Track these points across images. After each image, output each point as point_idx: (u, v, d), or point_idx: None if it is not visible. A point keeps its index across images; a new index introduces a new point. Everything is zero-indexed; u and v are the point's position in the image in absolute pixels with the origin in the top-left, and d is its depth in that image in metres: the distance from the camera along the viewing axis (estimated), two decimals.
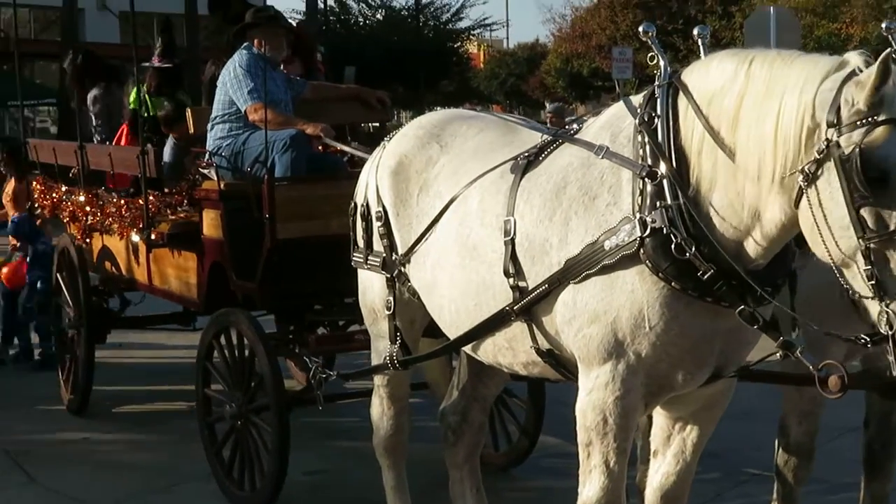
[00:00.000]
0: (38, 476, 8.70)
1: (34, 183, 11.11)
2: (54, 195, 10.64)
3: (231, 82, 8.46)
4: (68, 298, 10.49)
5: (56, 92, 35.85)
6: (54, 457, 9.19)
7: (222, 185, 8.19)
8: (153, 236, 8.80)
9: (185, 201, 8.69)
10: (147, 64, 10.32)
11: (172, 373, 11.65)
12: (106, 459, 9.15)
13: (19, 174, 12.75)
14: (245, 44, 8.64)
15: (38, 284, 12.17)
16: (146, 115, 10.01)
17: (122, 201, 9.30)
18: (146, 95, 10.18)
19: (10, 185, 13.01)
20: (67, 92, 31.53)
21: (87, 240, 10.07)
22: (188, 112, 9.09)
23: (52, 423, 10.13)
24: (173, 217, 8.82)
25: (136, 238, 9.16)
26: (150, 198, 8.78)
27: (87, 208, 9.84)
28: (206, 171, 8.56)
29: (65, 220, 10.59)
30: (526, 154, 5.43)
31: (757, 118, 4.46)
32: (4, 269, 12.63)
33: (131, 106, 10.06)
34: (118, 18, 42.58)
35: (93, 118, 11.25)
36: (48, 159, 11.10)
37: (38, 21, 42.85)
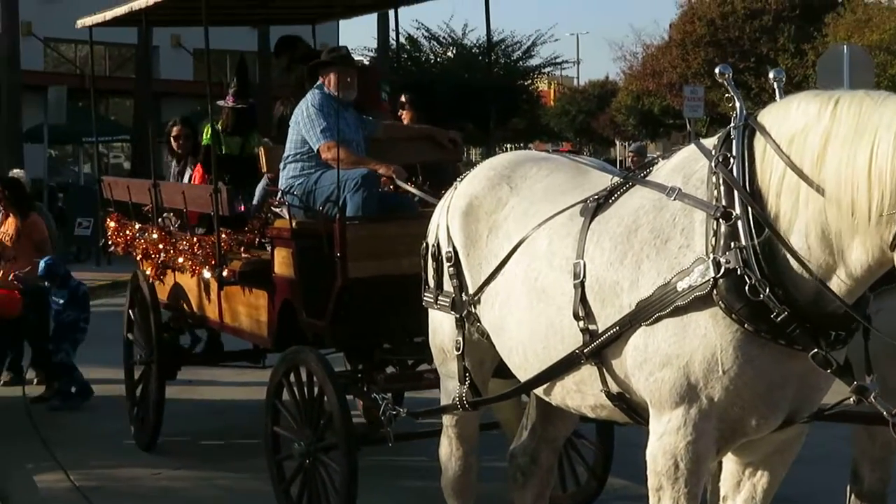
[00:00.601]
0: None
1: (108, 220, 11.20)
2: (127, 232, 10.73)
3: (304, 122, 8.51)
4: (140, 335, 10.58)
5: (130, 129, 36.24)
6: (123, 492, 9.26)
7: (294, 224, 8.23)
8: (225, 274, 8.85)
9: (257, 239, 8.73)
10: (222, 103, 10.39)
11: (241, 410, 11.71)
12: (175, 496, 9.20)
13: (22, 212, 12.75)
14: (318, 83, 8.69)
15: (80, 325, 12.37)
16: (220, 153, 10.07)
17: (195, 239, 9.37)
18: (222, 135, 10.24)
19: (10, 224, 13.03)
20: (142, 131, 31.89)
21: (161, 277, 10.14)
22: (261, 151, 9.15)
23: (121, 458, 10.20)
24: (245, 255, 8.87)
25: (207, 275, 9.22)
26: (223, 236, 8.83)
27: (160, 246, 9.91)
28: (278, 210, 8.61)
29: (138, 258, 10.67)
30: (596, 196, 5.42)
31: (847, 156, 4.42)
32: None
33: (204, 142, 10.11)
34: (192, 56, 43.02)
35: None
36: (122, 197, 11.20)
37: (112, 58, 43.36)
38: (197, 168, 10.79)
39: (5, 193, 12.83)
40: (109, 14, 10.70)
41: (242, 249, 8.88)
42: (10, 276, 12.56)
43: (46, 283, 12.40)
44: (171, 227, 10.07)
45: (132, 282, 10.82)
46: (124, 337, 11.10)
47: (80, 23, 11.43)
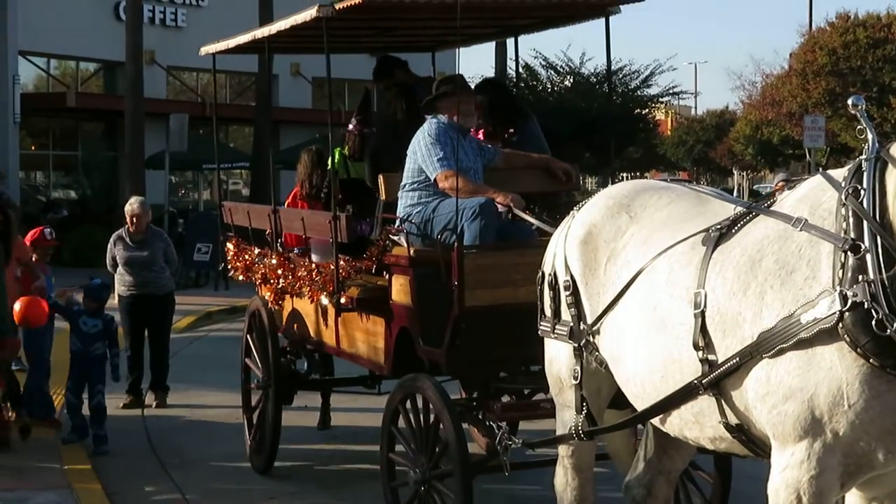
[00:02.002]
0: None
1: (228, 244, 11.31)
2: (247, 257, 10.84)
3: (420, 151, 8.54)
4: (257, 360, 10.68)
5: (249, 155, 36.66)
6: None
7: (412, 252, 8.26)
8: (343, 300, 8.89)
9: (375, 267, 8.77)
10: (350, 128, 10.43)
11: (357, 436, 11.75)
12: None
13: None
14: (434, 114, 8.71)
15: (112, 360, 11.66)
16: (346, 177, 10.13)
17: (314, 265, 9.43)
18: (349, 160, 10.29)
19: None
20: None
21: (280, 302, 10.22)
22: (380, 178, 9.20)
23: (237, 481, 10.28)
24: (363, 282, 8.91)
25: (325, 301, 9.27)
26: (341, 262, 8.88)
27: (279, 271, 9.99)
28: (395, 238, 8.64)
29: (257, 283, 10.77)
30: (718, 226, 5.37)
31: None
32: (18, 305, 10.85)
33: (330, 167, 10.13)
34: (311, 84, 43.44)
35: None
36: (242, 222, 11.32)
37: (232, 86, 43.92)
38: (292, 193, 10.95)
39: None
40: (233, 42, 10.84)
41: (360, 275, 8.91)
42: (64, 295, 12.21)
43: (80, 305, 11.68)
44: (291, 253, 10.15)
45: (250, 307, 10.93)
46: (242, 362, 11.20)
47: (204, 50, 11.59)
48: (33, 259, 12.50)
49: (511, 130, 9.71)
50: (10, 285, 10.64)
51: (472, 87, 9.39)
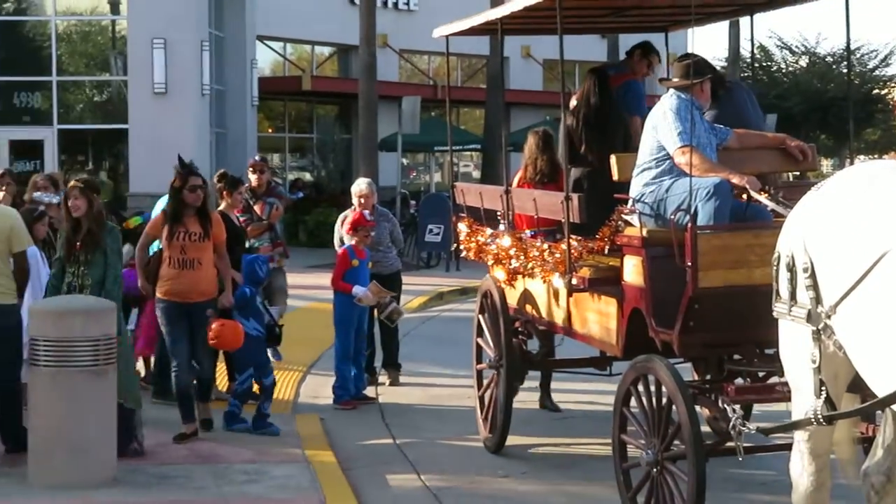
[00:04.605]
0: None
1: (460, 225, 11.39)
2: (479, 238, 10.92)
3: (661, 125, 8.47)
4: (489, 339, 10.77)
5: (480, 138, 36.89)
6: (471, 493, 9.42)
7: (645, 232, 8.22)
8: (574, 281, 8.90)
9: (607, 247, 8.75)
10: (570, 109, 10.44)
11: (588, 417, 11.77)
12: (521, 499, 9.30)
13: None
14: (671, 90, 8.64)
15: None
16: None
17: (545, 245, 9.45)
18: None
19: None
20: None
21: (511, 283, 10.28)
22: (612, 159, 9.16)
23: (469, 460, 10.39)
24: (594, 262, 8.90)
25: (557, 282, 9.28)
26: (573, 243, 8.88)
27: (512, 252, 10.04)
28: (628, 218, 8.60)
29: (489, 264, 10.85)
30: None
31: None
32: (215, 325, 10.53)
33: (562, 147, 10.15)
34: (541, 66, 43.49)
35: None
36: (474, 203, 11.41)
37: (463, 69, 44.22)
38: (517, 177, 11.01)
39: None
40: (465, 24, 10.92)
41: (592, 256, 8.91)
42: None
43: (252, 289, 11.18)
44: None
45: (482, 287, 11.01)
46: (474, 341, 11.31)
47: (437, 32, 11.71)
48: (353, 242, 12.68)
49: None
50: (212, 261, 10.61)
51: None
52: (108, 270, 9.83)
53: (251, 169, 13.97)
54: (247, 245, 12.97)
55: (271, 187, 14.16)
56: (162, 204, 11.29)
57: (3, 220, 9.75)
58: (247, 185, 13.85)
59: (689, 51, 8.93)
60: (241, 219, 13.57)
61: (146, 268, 10.76)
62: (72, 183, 10.05)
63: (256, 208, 13.53)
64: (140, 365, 12.97)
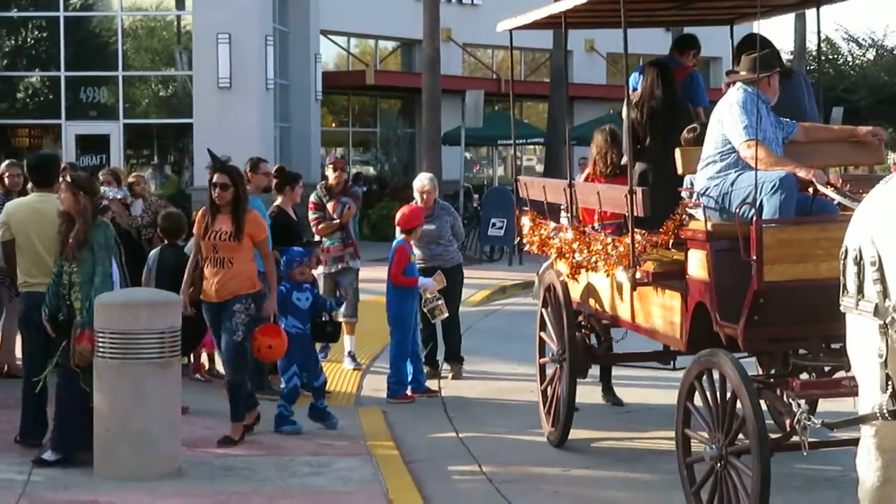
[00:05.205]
0: None
1: (524, 219, 11.37)
2: (542, 232, 10.89)
3: (727, 119, 8.41)
4: (552, 333, 10.74)
5: (543, 132, 36.84)
6: (534, 487, 9.40)
7: (710, 226, 8.17)
8: (638, 275, 8.86)
9: (672, 241, 8.71)
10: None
11: (651, 411, 11.73)
12: (585, 493, 9.28)
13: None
14: (738, 83, 8.57)
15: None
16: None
17: (610, 239, 9.43)
18: None
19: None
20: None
21: (575, 277, 10.24)
22: (676, 152, 9.12)
23: (532, 454, 10.37)
24: (658, 256, 8.86)
25: (621, 276, 9.25)
26: (637, 237, 8.85)
27: (575, 245, 10.01)
28: (692, 211, 8.56)
29: (552, 257, 10.83)
30: None
31: None
32: (261, 336, 10.26)
33: (627, 140, 10.12)
34: (605, 60, 43.37)
35: None
36: (537, 196, 11.39)
37: (527, 63, 44.20)
38: (583, 175, 10.96)
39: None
40: (529, 17, 10.89)
41: (656, 250, 8.87)
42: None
43: (285, 285, 10.96)
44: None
45: (545, 281, 10.98)
46: (537, 335, 11.29)
47: (501, 26, 11.69)
48: (405, 239, 12.72)
49: None
50: (247, 261, 10.23)
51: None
52: (97, 267, 9.37)
53: (332, 166, 13.89)
54: (316, 240, 13.05)
55: (347, 186, 14.09)
56: None
57: None
58: (322, 182, 13.84)
59: (755, 44, 8.85)
60: (313, 217, 13.59)
61: (194, 272, 10.39)
62: (65, 178, 9.74)
63: (329, 206, 13.52)
64: (204, 358, 13.11)
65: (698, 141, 8.98)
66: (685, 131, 9.48)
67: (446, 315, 13.08)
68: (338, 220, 13.56)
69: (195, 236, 10.51)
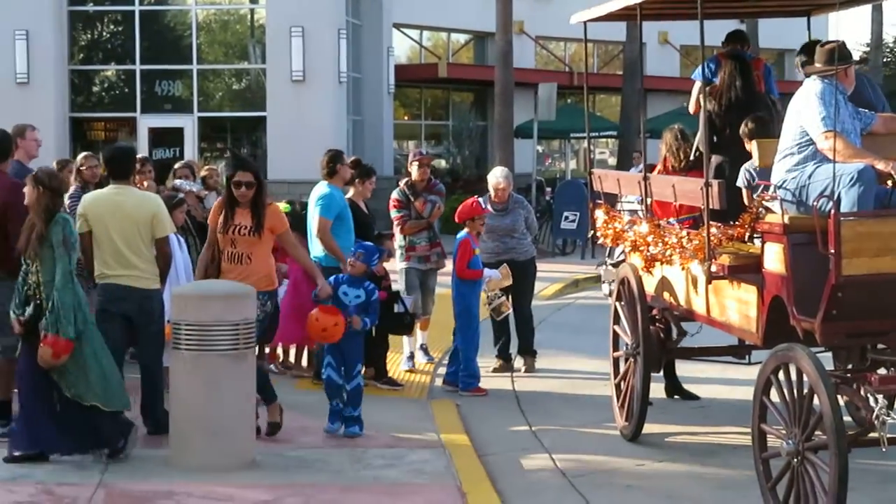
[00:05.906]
0: (593, 499, 8.89)
1: (597, 212, 11.32)
2: (616, 225, 10.84)
3: (804, 110, 8.32)
4: (626, 327, 10.70)
5: (616, 124, 36.72)
6: (607, 481, 9.38)
7: (787, 219, 8.09)
8: (714, 268, 8.80)
9: (748, 234, 8.64)
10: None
11: (726, 406, 11.65)
12: (658, 488, 9.22)
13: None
14: (814, 75, 8.48)
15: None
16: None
17: (685, 232, 9.36)
18: None
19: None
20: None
21: (649, 270, 10.18)
22: (753, 144, 9.04)
23: (605, 447, 10.33)
24: (734, 249, 8.79)
25: (696, 269, 9.19)
26: (713, 230, 8.78)
27: (650, 238, 9.95)
28: (769, 204, 8.48)
29: (626, 250, 10.78)
30: None
31: None
32: (319, 317, 10.20)
33: (700, 133, 10.06)
34: (679, 52, 43.14)
35: None
36: (611, 189, 11.34)
37: (599, 55, 44.04)
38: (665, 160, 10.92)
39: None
40: (603, 9, 10.83)
41: (731, 243, 8.80)
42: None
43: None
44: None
45: (619, 274, 10.93)
46: (610, 329, 11.24)
47: (575, 18, 11.63)
48: (469, 232, 12.72)
49: None
50: (266, 257, 10.16)
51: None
52: (57, 265, 8.97)
53: (417, 163, 13.61)
54: (387, 233, 13.05)
55: (431, 184, 13.75)
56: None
57: (147, 207, 9.90)
58: (407, 179, 13.69)
59: (832, 36, 8.78)
60: (397, 215, 13.44)
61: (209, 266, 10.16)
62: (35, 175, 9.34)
63: (417, 205, 13.37)
64: (279, 350, 13.18)
65: (754, 134, 8.94)
66: (742, 125, 9.42)
67: (510, 311, 13.05)
68: (426, 220, 13.44)
69: (209, 231, 10.32)
